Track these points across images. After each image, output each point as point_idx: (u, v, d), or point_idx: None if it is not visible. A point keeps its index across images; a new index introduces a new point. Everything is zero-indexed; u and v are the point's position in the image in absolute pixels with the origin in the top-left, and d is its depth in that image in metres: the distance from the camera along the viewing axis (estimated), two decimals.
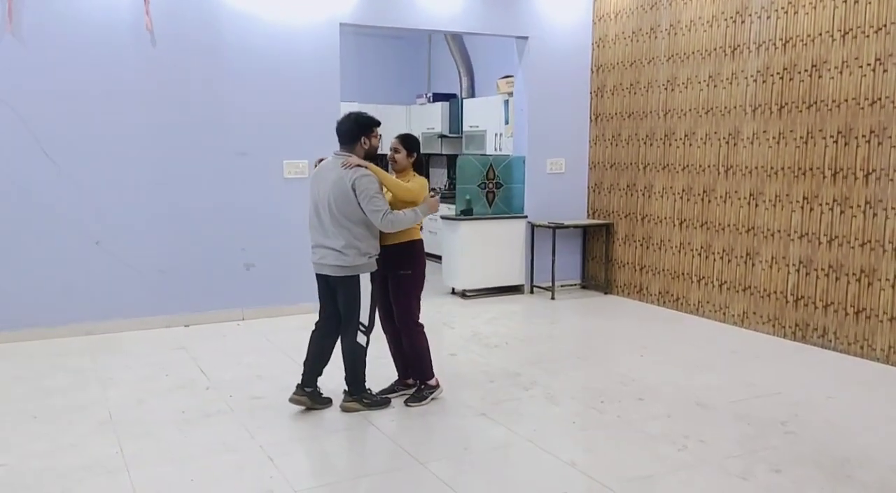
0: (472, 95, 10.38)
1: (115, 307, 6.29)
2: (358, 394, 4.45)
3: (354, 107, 10.24)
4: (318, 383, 4.51)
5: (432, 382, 4.63)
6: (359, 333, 4.36)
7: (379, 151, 4.54)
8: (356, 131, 4.35)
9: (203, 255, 6.57)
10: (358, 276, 4.30)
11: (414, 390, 4.65)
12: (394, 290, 4.51)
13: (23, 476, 3.59)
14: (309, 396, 4.45)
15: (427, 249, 8.87)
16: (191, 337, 6.19)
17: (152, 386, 4.94)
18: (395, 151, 4.53)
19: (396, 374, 4.78)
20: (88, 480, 3.56)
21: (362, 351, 4.41)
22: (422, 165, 4.66)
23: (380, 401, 4.49)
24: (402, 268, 4.47)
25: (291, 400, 4.45)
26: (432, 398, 4.59)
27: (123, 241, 6.28)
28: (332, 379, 4.56)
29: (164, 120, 6.33)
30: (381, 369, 4.87)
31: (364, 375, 4.47)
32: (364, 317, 4.36)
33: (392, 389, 4.71)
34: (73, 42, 5.98)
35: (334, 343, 4.50)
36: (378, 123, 4.45)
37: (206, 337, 6.18)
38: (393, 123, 11.19)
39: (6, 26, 5.75)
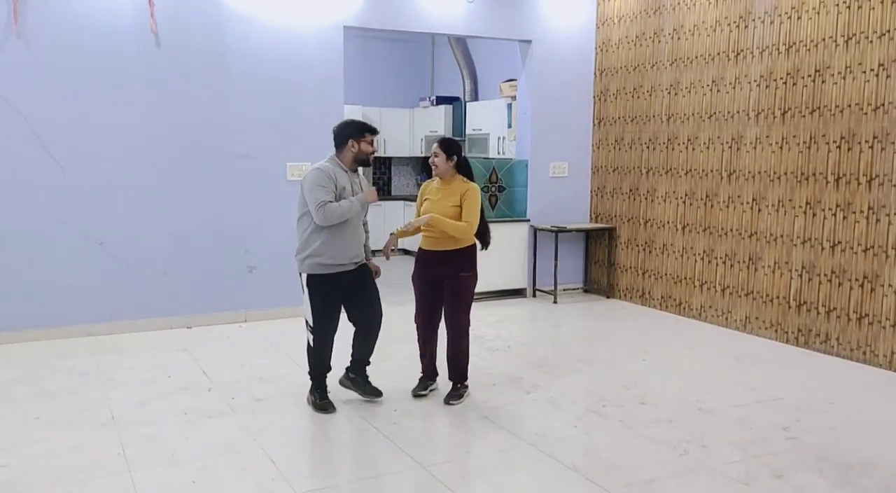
0: (475, 98, 10.39)
1: (117, 309, 6.30)
2: (311, 389, 4.55)
3: (358, 110, 10.35)
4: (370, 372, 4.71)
5: (467, 382, 4.77)
6: (307, 331, 4.47)
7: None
8: (345, 133, 4.39)
9: (206, 257, 6.58)
10: (300, 274, 4.44)
11: (451, 388, 4.73)
12: (454, 292, 4.58)
13: (25, 478, 3.59)
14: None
15: None
16: (193, 339, 6.20)
17: (155, 388, 4.94)
18: (435, 155, 4.55)
19: (422, 371, 4.85)
20: (90, 481, 3.56)
21: (309, 349, 4.49)
22: (469, 169, 4.66)
23: (320, 407, 4.48)
24: (464, 270, 4.57)
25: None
26: (467, 396, 4.72)
27: (126, 242, 6.29)
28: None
29: (168, 122, 6.34)
30: (381, 370, 4.88)
31: (314, 372, 4.52)
32: (308, 315, 4.43)
33: (425, 385, 4.79)
34: (77, 44, 6.00)
35: (367, 320, 4.56)
36: (371, 130, 4.44)
37: (209, 339, 6.19)
38: (396, 127, 11.24)
39: (11, 27, 5.77)
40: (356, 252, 4.45)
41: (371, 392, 4.63)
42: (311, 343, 4.46)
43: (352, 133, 4.38)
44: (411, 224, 4.52)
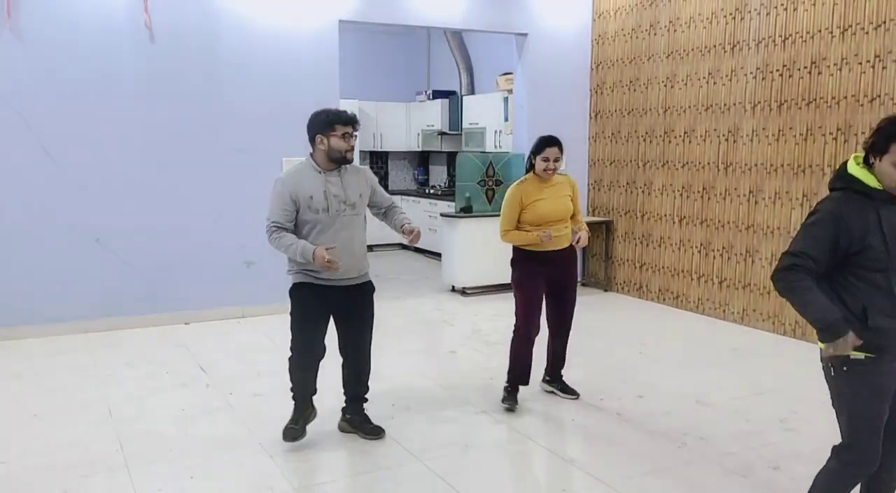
0: (471, 92, 10.37)
1: (115, 305, 6.29)
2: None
3: (354, 104, 10.31)
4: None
5: None
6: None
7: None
8: (313, 129, 3.76)
9: (203, 252, 6.56)
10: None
11: (562, 383, 4.71)
12: (574, 291, 4.60)
13: (22, 474, 3.60)
14: None
15: (427, 246, 8.92)
16: (191, 335, 6.19)
17: (152, 384, 4.94)
18: (556, 160, 4.34)
19: (549, 375, 4.78)
20: (88, 478, 3.56)
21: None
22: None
23: (284, 430, 3.95)
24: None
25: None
26: None
27: (123, 238, 6.27)
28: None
29: (163, 116, 6.32)
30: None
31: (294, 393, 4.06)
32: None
33: (564, 388, 4.71)
34: (71, 38, 5.97)
35: (353, 354, 4.08)
36: (345, 121, 3.74)
37: (207, 335, 6.18)
38: (393, 121, 11.22)
39: (5, 22, 5.74)
40: (345, 268, 3.77)
41: (371, 431, 4.06)
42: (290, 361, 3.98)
43: (320, 127, 3.73)
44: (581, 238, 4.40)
